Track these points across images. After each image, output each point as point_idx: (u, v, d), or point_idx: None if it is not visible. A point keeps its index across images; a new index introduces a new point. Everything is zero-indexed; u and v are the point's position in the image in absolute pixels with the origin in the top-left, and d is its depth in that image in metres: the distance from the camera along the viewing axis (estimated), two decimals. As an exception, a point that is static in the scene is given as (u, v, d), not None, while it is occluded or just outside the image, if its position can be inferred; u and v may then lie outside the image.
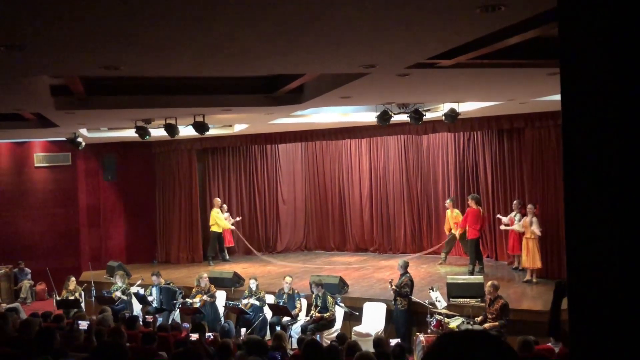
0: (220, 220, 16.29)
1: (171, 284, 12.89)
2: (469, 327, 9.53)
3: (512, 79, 7.94)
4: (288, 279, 11.75)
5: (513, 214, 13.15)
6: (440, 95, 10.07)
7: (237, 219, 16.85)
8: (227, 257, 16.70)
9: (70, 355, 5.47)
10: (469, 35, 5.16)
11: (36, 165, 16.77)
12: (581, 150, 2.09)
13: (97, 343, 6.56)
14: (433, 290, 10.34)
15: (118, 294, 12.67)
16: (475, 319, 9.82)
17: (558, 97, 9.32)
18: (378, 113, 10.50)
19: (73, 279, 13.47)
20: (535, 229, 12.15)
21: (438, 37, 5.17)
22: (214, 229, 16.35)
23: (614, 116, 1.99)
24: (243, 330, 11.23)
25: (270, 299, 11.88)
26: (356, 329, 11.04)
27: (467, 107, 11.05)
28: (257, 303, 11.65)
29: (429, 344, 8.94)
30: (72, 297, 12.80)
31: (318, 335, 10.64)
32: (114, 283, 13.13)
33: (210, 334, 9.05)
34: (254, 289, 11.90)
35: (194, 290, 12.41)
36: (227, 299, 12.69)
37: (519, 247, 13.09)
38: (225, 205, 16.83)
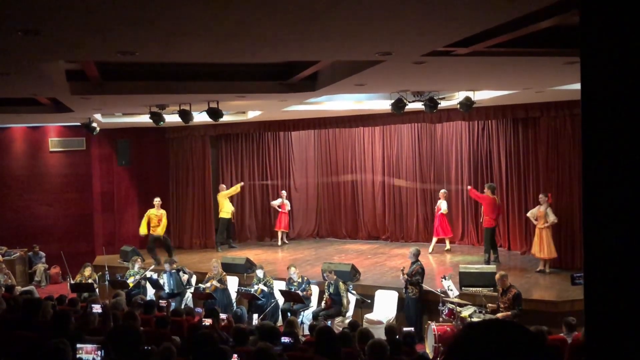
0: (227, 204, 16.41)
1: (182, 270, 12.93)
2: (482, 316, 9.53)
3: (528, 68, 7.88)
4: (292, 269, 11.75)
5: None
6: (455, 84, 10.01)
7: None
8: (233, 244, 16.84)
9: (85, 339, 5.52)
10: (487, 23, 5.12)
11: (51, 149, 16.89)
12: (601, 141, 2.07)
13: (112, 327, 6.62)
14: (445, 279, 10.34)
15: (138, 277, 12.75)
16: (488, 306, 9.82)
17: (574, 86, 9.28)
18: (392, 101, 10.45)
19: (90, 266, 13.56)
20: (551, 217, 12.05)
21: (455, 25, 5.13)
22: (222, 215, 16.44)
23: (635, 106, 1.97)
24: (255, 316, 11.29)
25: (280, 285, 11.91)
26: (368, 316, 11.06)
27: (483, 96, 10.98)
28: (266, 289, 11.70)
29: (451, 335, 8.96)
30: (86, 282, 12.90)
31: (330, 322, 10.68)
32: (128, 268, 13.23)
33: (224, 315, 9.11)
34: (261, 277, 11.95)
35: (207, 275, 12.49)
36: (240, 284, 12.75)
37: (442, 231, 14.92)
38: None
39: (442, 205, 14.92)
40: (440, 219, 15.02)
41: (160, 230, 15.10)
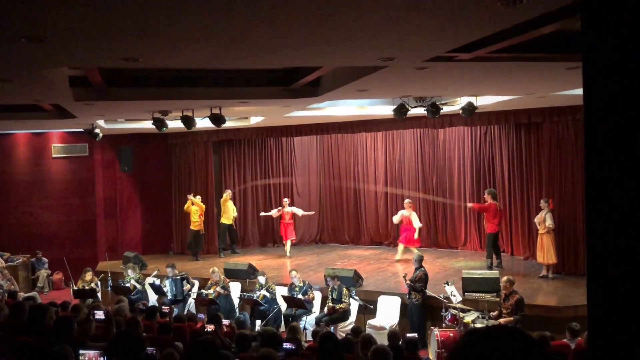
0: (230, 211, 16.47)
1: (185, 275, 12.94)
2: (484, 321, 9.51)
3: (531, 73, 7.88)
4: (294, 273, 11.78)
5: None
6: (458, 89, 10.01)
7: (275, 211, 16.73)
8: (237, 250, 16.83)
9: (88, 345, 5.51)
10: (490, 28, 5.12)
11: (54, 156, 16.90)
12: (603, 146, 2.07)
13: (115, 333, 6.61)
14: (448, 285, 10.33)
15: (134, 282, 12.79)
16: (490, 313, 9.80)
17: (577, 91, 9.29)
18: (395, 106, 10.46)
19: (90, 271, 13.56)
20: (548, 222, 12.02)
21: (458, 31, 5.14)
22: (223, 220, 16.44)
23: (638, 111, 1.97)
24: (258, 322, 11.27)
25: (283, 291, 11.90)
26: (370, 322, 11.04)
27: (485, 101, 10.97)
28: (269, 295, 11.69)
29: (454, 341, 8.94)
30: (89, 287, 12.90)
31: (332, 328, 10.67)
32: (127, 275, 13.24)
33: (226, 321, 9.09)
34: (263, 283, 11.94)
35: (209, 282, 12.49)
36: (242, 290, 12.74)
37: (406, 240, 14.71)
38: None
39: (413, 218, 14.77)
40: (406, 229, 14.90)
41: (196, 226, 16.09)
